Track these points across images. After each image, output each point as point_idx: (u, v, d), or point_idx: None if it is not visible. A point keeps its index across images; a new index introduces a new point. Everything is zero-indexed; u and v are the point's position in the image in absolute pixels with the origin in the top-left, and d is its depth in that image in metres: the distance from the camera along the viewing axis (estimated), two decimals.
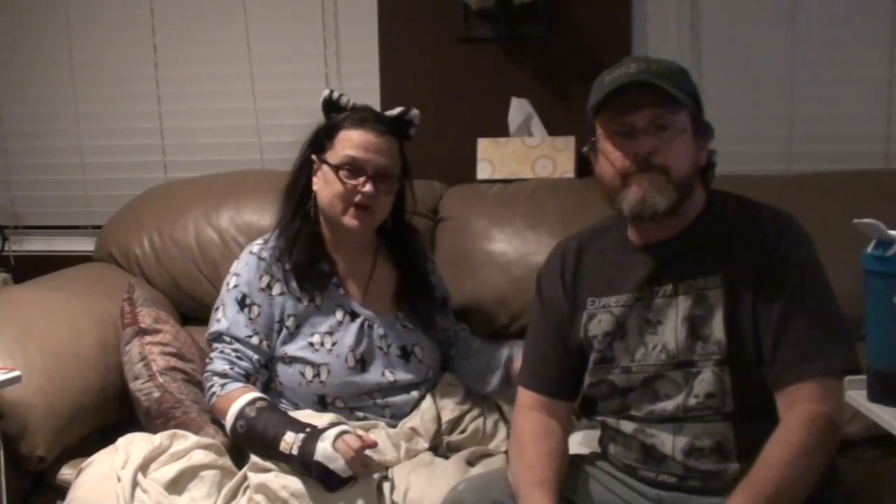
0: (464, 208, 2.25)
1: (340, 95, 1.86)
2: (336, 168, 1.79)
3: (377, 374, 1.80)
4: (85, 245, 2.63)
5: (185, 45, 2.68)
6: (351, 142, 1.80)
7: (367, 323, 1.83)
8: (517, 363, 1.81)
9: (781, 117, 2.41)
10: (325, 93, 1.85)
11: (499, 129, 2.43)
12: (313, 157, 1.85)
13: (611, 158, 1.40)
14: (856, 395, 1.18)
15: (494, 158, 2.41)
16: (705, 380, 1.37)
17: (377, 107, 2.45)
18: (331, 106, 1.85)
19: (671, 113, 1.37)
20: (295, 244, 1.83)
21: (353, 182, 1.78)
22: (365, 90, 2.53)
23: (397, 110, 1.88)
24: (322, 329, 1.80)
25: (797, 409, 1.30)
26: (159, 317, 1.95)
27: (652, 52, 2.42)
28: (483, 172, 2.41)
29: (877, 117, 2.37)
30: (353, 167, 1.78)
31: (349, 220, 1.79)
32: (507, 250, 2.04)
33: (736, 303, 1.37)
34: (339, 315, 1.82)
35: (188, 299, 2.26)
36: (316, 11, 2.59)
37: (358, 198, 1.78)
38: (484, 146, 2.42)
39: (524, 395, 1.54)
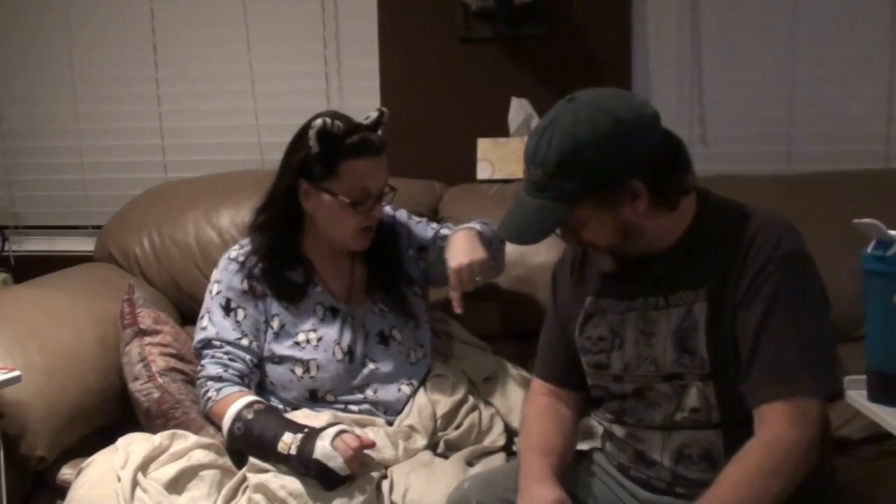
0: (464, 208, 2.24)
1: (333, 123, 1.74)
2: (353, 203, 1.77)
3: (362, 363, 1.82)
4: (85, 245, 2.63)
5: (185, 45, 2.68)
6: (359, 173, 1.77)
7: (347, 315, 1.85)
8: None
9: (781, 117, 2.41)
10: (318, 123, 1.74)
11: (499, 129, 2.43)
12: (303, 182, 1.79)
13: None
14: (856, 395, 1.18)
15: (494, 158, 2.40)
16: (691, 394, 1.36)
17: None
18: (326, 136, 1.76)
19: (571, 228, 1.36)
20: (270, 264, 1.84)
21: (365, 209, 1.79)
22: (365, 90, 2.53)
23: (374, 115, 1.83)
24: (306, 327, 1.82)
25: (763, 429, 1.26)
26: (159, 318, 1.95)
27: (652, 52, 2.43)
28: (483, 172, 2.41)
29: (877, 117, 2.37)
30: (366, 197, 1.79)
31: (357, 244, 1.83)
32: (506, 250, 2.04)
33: (719, 316, 1.33)
34: (320, 313, 1.84)
35: (188, 299, 2.26)
36: (316, 11, 2.59)
37: (368, 223, 1.81)
38: (484, 146, 2.42)
39: (535, 384, 1.57)
